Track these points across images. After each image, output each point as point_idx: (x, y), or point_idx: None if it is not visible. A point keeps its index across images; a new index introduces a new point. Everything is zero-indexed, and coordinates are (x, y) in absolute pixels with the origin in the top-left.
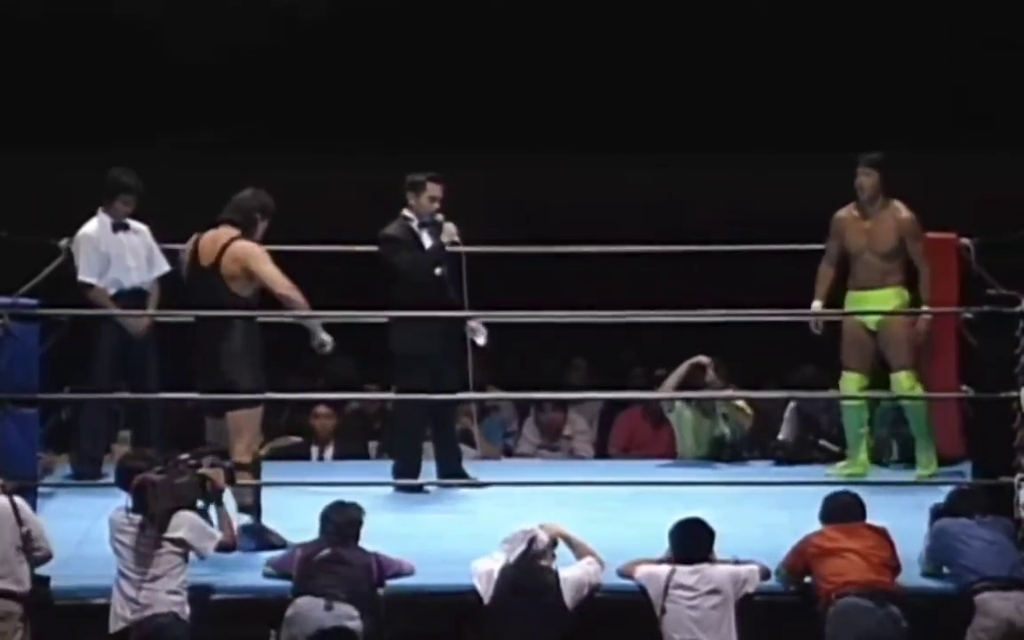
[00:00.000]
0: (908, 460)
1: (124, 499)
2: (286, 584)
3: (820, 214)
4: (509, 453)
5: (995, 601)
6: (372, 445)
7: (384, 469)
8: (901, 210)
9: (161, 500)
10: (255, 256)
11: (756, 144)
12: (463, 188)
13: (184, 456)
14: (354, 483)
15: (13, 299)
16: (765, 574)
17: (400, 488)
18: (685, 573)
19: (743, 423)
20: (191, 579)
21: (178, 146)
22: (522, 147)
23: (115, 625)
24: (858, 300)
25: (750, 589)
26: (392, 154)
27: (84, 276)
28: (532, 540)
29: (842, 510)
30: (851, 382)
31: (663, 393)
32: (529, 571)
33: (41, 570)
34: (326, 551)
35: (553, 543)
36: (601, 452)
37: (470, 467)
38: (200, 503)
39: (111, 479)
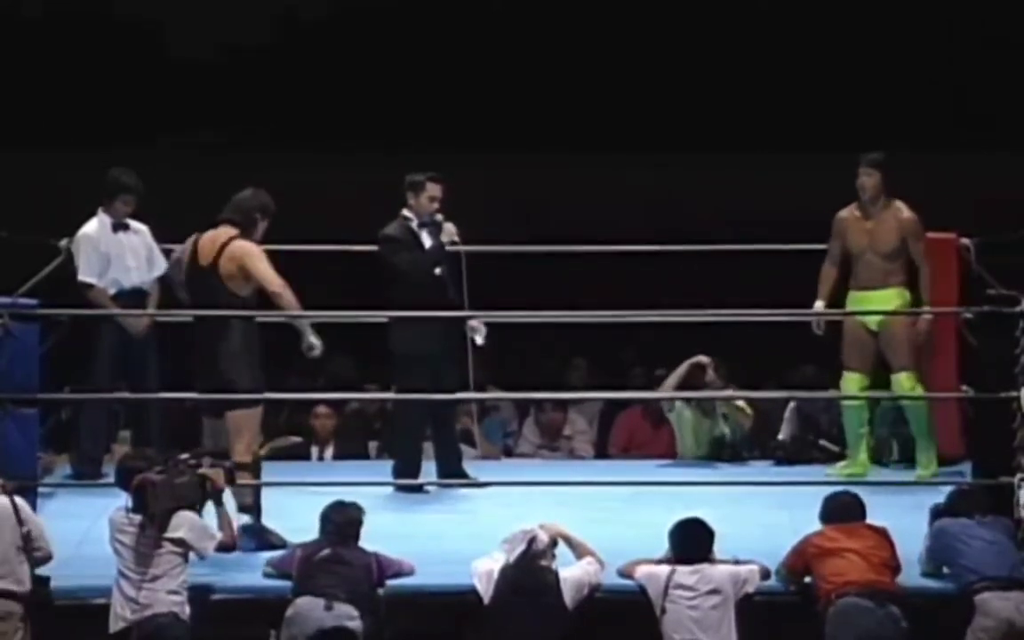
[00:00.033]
0: (908, 460)
1: (124, 499)
2: (286, 584)
3: (820, 214)
4: (509, 453)
5: (995, 601)
6: (372, 445)
7: (384, 469)
8: (903, 210)
9: (161, 500)
10: (251, 254)
11: (756, 144)
12: (463, 188)
13: (184, 456)
14: (354, 483)
15: (13, 299)
16: (765, 574)
17: (400, 488)
18: (685, 573)
19: (743, 423)
20: (191, 579)
21: (178, 146)
22: (522, 147)
23: (115, 625)
24: (860, 300)
25: (750, 589)
26: (392, 154)
27: (84, 276)
28: (532, 540)
29: (842, 510)
30: (852, 382)
31: (663, 393)
32: (529, 571)
33: (41, 570)
34: (326, 551)
35: (553, 543)
36: (601, 452)
37: (470, 467)
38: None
39: (111, 479)
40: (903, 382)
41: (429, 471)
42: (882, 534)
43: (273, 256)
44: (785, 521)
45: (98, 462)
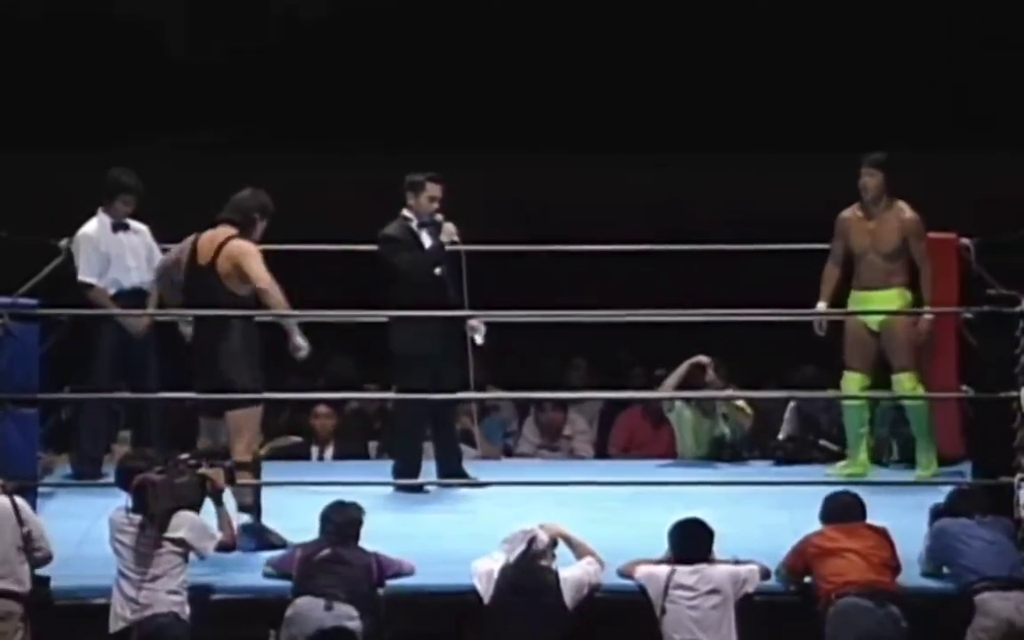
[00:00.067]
0: (908, 460)
1: (124, 499)
2: (286, 584)
3: (820, 214)
4: (509, 453)
5: (995, 601)
6: (372, 445)
7: (384, 469)
8: (905, 210)
9: (161, 500)
10: (245, 253)
11: (756, 144)
12: (463, 188)
13: (184, 456)
14: (354, 483)
15: (13, 299)
16: (765, 574)
17: (400, 488)
18: (685, 573)
19: (743, 423)
20: (191, 579)
21: (178, 146)
22: (522, 147)
23: (115, 625)
24: (862, 300)
25: (750, 589)
26: (392, 154)
27: (84, 276)
28: (532, 540)
29: (842, 510)
30: (852, 382)
31: (663, 393)
32: (529, 571)
33: (41, 570)
34: (326, 551)
35: (553, 543)
36: (601, 452)
37: (470, 467)
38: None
39: (111, 479)
40: (904, 383)
41: (429, 471)
42: (882, 534)
43: (273, 256)
44: (785, 521)
45: (98, 462)
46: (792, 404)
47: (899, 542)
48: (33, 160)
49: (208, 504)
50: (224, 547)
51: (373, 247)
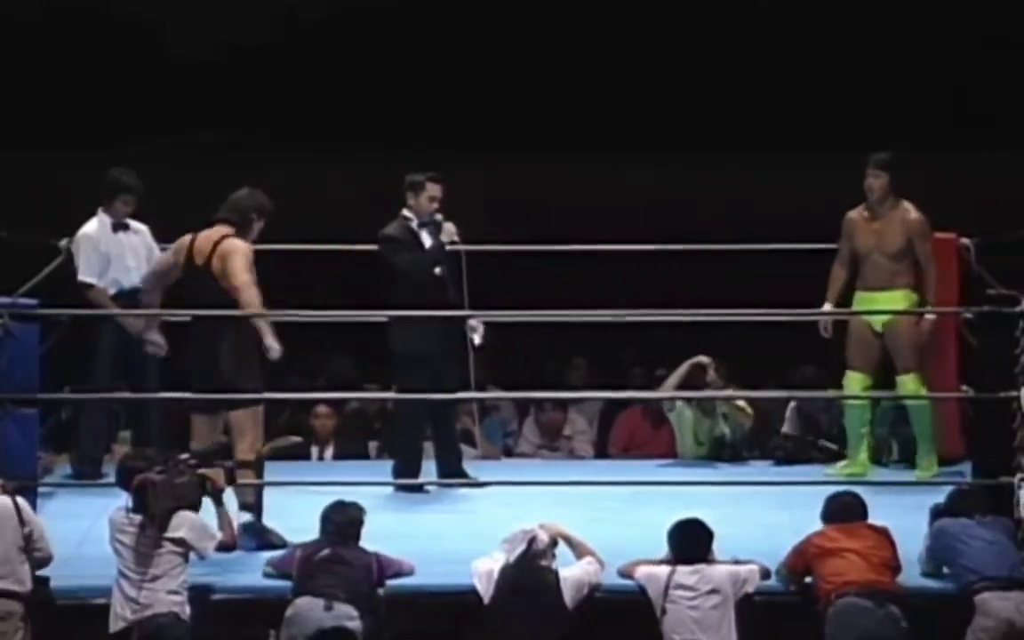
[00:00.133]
0: (908, 460)
1: (124, 499)
2: (286, 584)
3: (820, 214)
4: (509, 453)
5: (995, 601)
6: (372, 445)
7: (384, 469)
8: (910, 211)
9: (161, 500)
10: (231, 251)
11: (756, 144)
12: (463, 188)
13: (184, 456)
14: (354, 483)
15: (13, 299)
16: (765, 574)
17: (400, 488)
18: (685, 573)
19: (743, 423)
20: (191, 579)
21: (178, 146)
22: (522, 147)
23: (115, 625)
24: (866, 301)
25: (750, 589)
26: (392, 154)
27: (84, 276)
28: (532, 540)
29: (843, 510)
30: (855, 382)
31: (663, 393)
32: (529, 571)
33: (41, 570)
34: (326, 551)
35: (553, 543)
36: (601, 452)
37: (470, 467)
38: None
39: (111, 479)
40: (908, 384)
41: (429, 471)
42: (883, 534)
43: (273, 256)
44: (785, 521)
45: (98, 462)
46: (792, 404)
47: (899, 542)
48: (33, 160)
49: (208, 504)
50: (224, 547)
51: (373, 247)
